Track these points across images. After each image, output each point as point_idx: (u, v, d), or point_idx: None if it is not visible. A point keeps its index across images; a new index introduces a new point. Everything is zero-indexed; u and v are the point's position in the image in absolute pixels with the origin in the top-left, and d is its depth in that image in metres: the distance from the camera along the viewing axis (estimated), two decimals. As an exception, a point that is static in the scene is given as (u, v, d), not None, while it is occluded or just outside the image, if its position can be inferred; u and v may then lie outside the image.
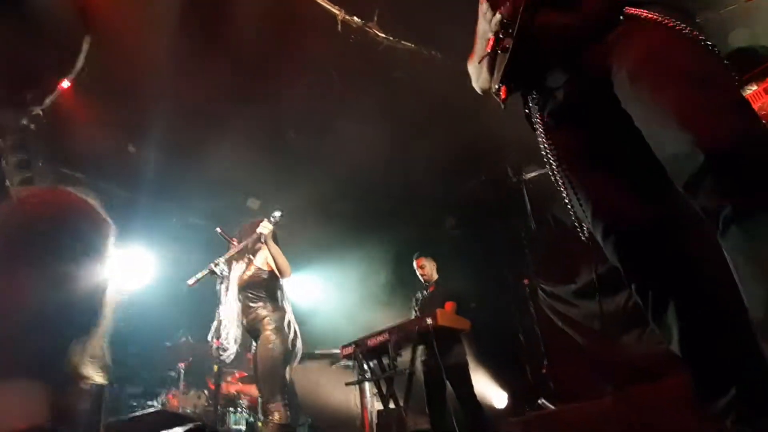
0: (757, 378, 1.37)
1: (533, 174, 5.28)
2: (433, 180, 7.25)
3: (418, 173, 7.22)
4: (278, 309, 4.37)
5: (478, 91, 1.96)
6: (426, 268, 6.01)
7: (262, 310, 4.32)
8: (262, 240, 4.39)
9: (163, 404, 5.70)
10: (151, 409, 5.02)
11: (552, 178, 1.78)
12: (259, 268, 4.47)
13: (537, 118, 1.78)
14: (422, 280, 6.03)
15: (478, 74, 1.91)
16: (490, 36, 1.76)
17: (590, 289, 4.09)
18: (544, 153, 1.76)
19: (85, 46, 5.42)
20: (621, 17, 1.51)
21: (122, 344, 6.79)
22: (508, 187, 5.93)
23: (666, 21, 1.42)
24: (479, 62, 1.86)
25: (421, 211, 7.97)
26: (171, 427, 2.08)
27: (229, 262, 4.35)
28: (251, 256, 4.56)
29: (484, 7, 1.81)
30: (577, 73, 1.63)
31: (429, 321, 4.66)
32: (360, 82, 6.34)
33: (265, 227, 4.40)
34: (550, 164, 1.74)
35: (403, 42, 6.21)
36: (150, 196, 7.10)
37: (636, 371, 3.66)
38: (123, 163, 6.69)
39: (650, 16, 1.45)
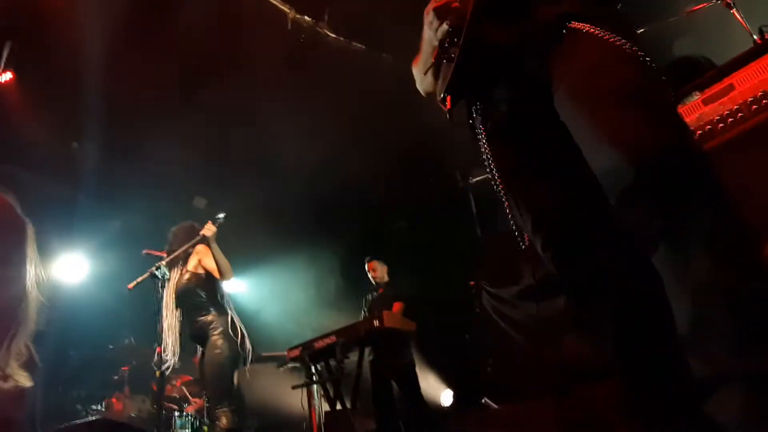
0: (675, 383, 1.42)
1: (480, 178, 5.37)
2: (382, 182, 7.30)
3: (367, 175, 7.26)
4: (223, 313, 4.33)
5: (422, 93, 1.96)
6: (378, 271, 6.07)
7: (207, 315, 4.27)
8: (207, 243, 4.35)
9: (107, 407, 5.57)
10: (92, 417, 4.92)
11: (494, 187, 1.78)
12: (194, 273, 4.41)
13: (480, 128, 1.78)
14: (373, 283, 6.08)
15: (422, 77, 1.91)
16: (435, 44, 1.76)
17: (531, 291, 4.18)
18: (486, 164, 1.76)
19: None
20: (564, 31, 1.52)
21: (65, 346, 6.62)
22: (456, 189, 6.01)
23: (607, 37, 1.43)
24: (424, 72, 1.87)
25: (371, 212, 8.01)
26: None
27: (170, 266, 4.29)
28: (182, 262, 4.49)
29: (430, 17, 1.78)
30: (520, 87, 1.65)
31: (376, 323, 4.70)
32: (309, 83, 6.32)
33: (209, 229, 4.36)
34: (492, 174, 1.74)
35: (354, 43, 6.24)
36: (92, 194, 6.92)
37: (576, 372, 3.76)
38: (64, 159, 6.52)
39: (592, 31, 1.46)
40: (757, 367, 1.11)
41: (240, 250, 7.12)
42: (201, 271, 4.41)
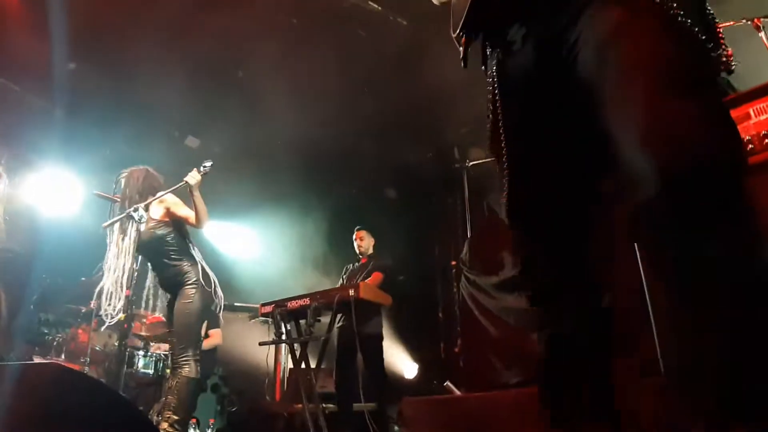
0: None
1: (477, 162, 5.30)
2: (378, 147, 7.20)
3: (365, 136, 7.16)
4: (194, 263, 4.30)
5: (436, 2, 1.79)
6: (364, 241, 6.05)
7: (180, 264, 4.23)
8: (190, 191, 4.27)
9: (72, 338, 5.56)
10: (45, 360, 4.92)
11: (493, 149, 1.63)
12: (160, 221, 4.33)
13: (493, 76, 1.61)
14: (357, 252, 6.06)
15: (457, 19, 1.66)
16: None
17: (511, 283, 4.16)
18: (491, 116, 1.60)
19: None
20: None
21: (39, 270, 6.58)
22: (452, 168, 5.95)
23: None
24: None
25: (363, 176, 7.93)
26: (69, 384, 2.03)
27: (147, 208, 4.21)
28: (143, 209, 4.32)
29: None
30: (542, 32, 1.45)
31: (351, 292, 4.68)
32: (318, 33, 6.16)
33: (193, 177, 4.28)
34: (495, 129, 1.58)
35: (369, 2, 6.07)
36: (85, 120, 6.79)
37: (537, 371, 3.77)
38: (63, 82, 6.35)
39: None
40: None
41: (226, 196, 7.07)
42: (167, 219, 4.33)
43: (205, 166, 4.33)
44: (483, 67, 1.68)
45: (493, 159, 1.67)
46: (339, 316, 5.11)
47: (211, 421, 4.88)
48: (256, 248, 8.24)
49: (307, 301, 4.85)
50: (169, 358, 4.63)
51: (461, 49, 1.67)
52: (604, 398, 1.42)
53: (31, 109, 6.54)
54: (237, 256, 8.12)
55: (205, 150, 7.32)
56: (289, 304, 4.97)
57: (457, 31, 1.63)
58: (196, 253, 4.41)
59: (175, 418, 3.96)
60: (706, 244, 1.04)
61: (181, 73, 6.15)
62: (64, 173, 6.84)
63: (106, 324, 4.01)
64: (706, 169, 1.05)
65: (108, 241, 4.20)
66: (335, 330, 5.29)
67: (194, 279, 4.19)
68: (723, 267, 1.03)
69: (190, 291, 4.14)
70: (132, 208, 4.02)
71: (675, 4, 1.21)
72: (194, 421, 4.84)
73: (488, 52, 1.66)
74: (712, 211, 1.05)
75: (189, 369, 4.07)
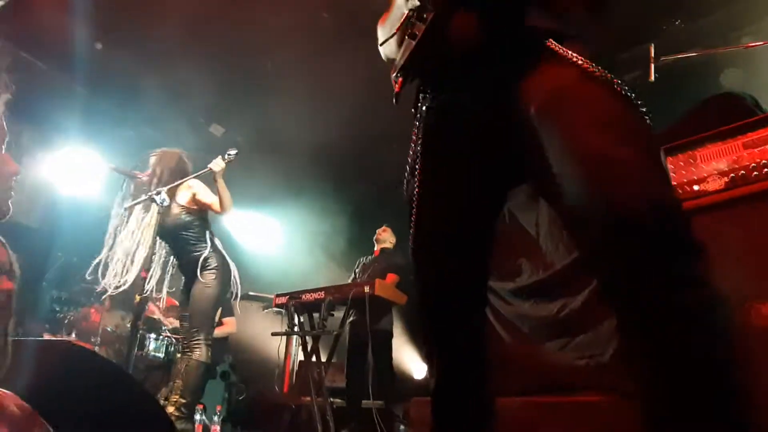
0: None
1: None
2: (402, 146, 7.15)
3: (392, 131, 7.10)
4: (216, 249, 4.31)
5: (383, 56, 1.83)
6: (386, 233, 6.06)
7: (201, 251, 4.24)
8: (214, 177, 4.28)
9: (84, 317, 5.59)
10: (62, 338, 4.94)
11: (406, 185, 1.73)
12: (186, 207, 4.34)
13: (420, 120, 1.70)
14: (374, 242, 6.07)
15: (385, 37, 1.76)
16: (405, 12, 1.60)
17: (527, 291, 4.12)
18: (412, 157, 1.69)
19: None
20: (539, 49, 1.41)
21: (55, 248, 6.63)
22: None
23: (582, 62, 1.33)
24: (387, 37, 1.73)
25: (386, 171, 7.88)
26: (80, 362, 2.03)
27: (173, 193, 4.22)
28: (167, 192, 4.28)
29: None
30: (477, 90, 1.53)
31: (366, 289, 4.67)
32: (351, 30, 6.12)
33: (218, 164, 4.28)
34: (412, 170, 1.67)
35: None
36: (109, 98, 6.83)
37: (549, 381, 3.73)
38: (88, 61, 6.38)
39: (568, 55, 1.36)
40: None
41: (247, 186, 7.08)
42: (194, 206, 4.34)
43: (229, 154, 4.33)
44: (413, 109, 1.76)
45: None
46: (353, 311, 5.09)
47: (218, 408, 4.89)
48: (273, 239, 8.24)
49: (321, 294, 4.85)
50: (180, 343, 4.65)
51: (395, 87, 1.73)
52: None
53: (55, 87, 6.57)
54: (254, 246, 8.13)
55: (228, 138, 7.33)
56: (303, 297, 4.96)
57: (395, 73, 1.70)
58: (217, 240, 4.42)
59: (183, 401, 3.96)
60: (644, 272, 1.12)
61: (208, 60, 6.16)
62: (85, 152, 6.88)
63: (107, 294, 4.00)
64: (651, 208, 1.13)
65: (122, 217, 4.19)
66: (347, 327, 5.29)
67: (215, 265, 4.21)
68: (658, 296, 1.11)
69: (209, 276, 4.16)
70: (155, 191, 4.01)
71: (611, 75, 1.32)
72: (201, 407, 4.84)
73: (420, 96, 1.73)
74: (653, 243, 1.12)
75: (200, 353, 4.08)
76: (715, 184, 2.61)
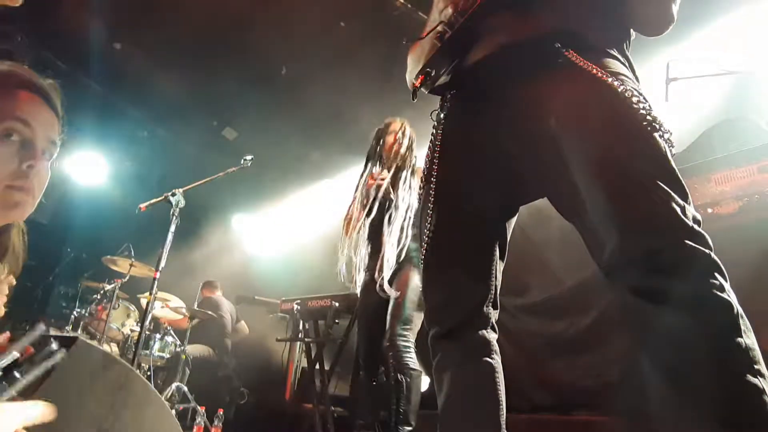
0: None
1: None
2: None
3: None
4: None
5: (409, 85, 1.81)
6: None
7: None
8: None
9: (90, 314, 5.60)
10: (72, 334, 4.95)
11: (420, 192, 1.72)
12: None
13: (439, 125, 1.70)
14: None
15: (414, 63, 1.77)
16: (436, 28, 1.63)
17: (536, 308, 4.11)
18: (429, 163, 1.68)
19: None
20: (560, 59, 1.40)
21: (64, 244, 6.66)
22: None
23: (604, 76, 1.33)
24: (420, 62, 1.72)
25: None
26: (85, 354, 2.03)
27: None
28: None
29: None
30: (496, 99, 1.54)
31: (373, 298, 4.66)
32: (367, 40, 6.14)
33: None
34: (428, 176, 1.67)
35: (420, 12, 6.04)
36: (124, 98, 6.88)
37: (555, 398, 3.72)
38: (105, 60, 6.43)
39: (592, 71, 1.35)
40: None
41: (259, 190, 7.12)
42: None
43: (246, 159, 4.31)
44: (431, 114, 1.77)
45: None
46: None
47: (220, 411, 4.88)
48: (279, 243, 8.20)
49: (327, 302, 4.84)
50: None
51: (416, 83, 1.72)
52: None
53: (70, 84, 6.63)
54: (262, 250, 8.13)
55: (239, 143, 7.34)
56: (309, 303, 4.96)
57: (419, 71, 1.69)
58: None
59: None
60: (663, 293, 1.13)
61: (231, 69, 6.20)
62: (98, 149, 6.92)
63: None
64: (669, 230, 1.16)
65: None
66: (353, 335, 5.26)
67: None
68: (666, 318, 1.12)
69: None
70: (170, 192, 3.93)
71: (631, 91, 1.31)
72: (203, 409, 4.83)
73: (440, 102, 1.74)
74: (672, 264, 1.14)
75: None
76: (729, 208, 2.60)
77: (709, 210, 2.66)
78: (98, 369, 1.84)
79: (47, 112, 1.26)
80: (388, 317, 3.35)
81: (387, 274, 3.30)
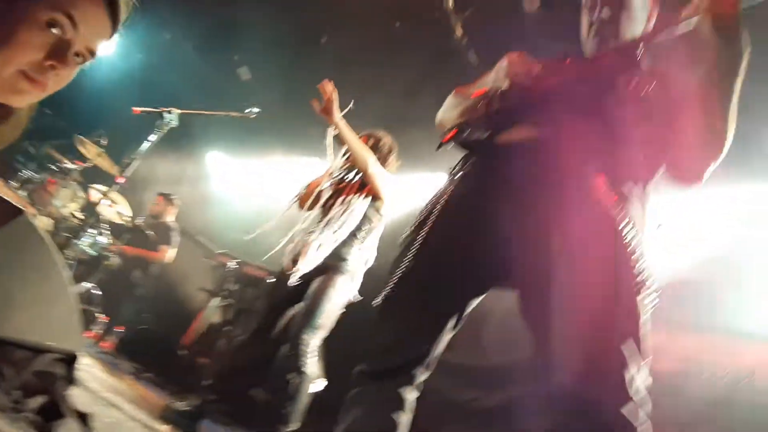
0: None
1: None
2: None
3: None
4: None
5: (437, 120, 1.86)
6: None
7: None
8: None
9: (41, 182, 5.43)
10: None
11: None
12: None
13: (451, 184, 1.74)
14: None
15: (452, 107, 1.80)
16: (490, 86, 1.69)
17: (454, 368, 4.17)
18: (427, 209, 1.73)
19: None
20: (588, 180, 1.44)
21: (45, 103, 6.46)
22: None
23: (606, 203, 1.38)
24: (461, 108, 1.77)
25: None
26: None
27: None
28: None
29: (504, 64, 1.71)
30: (520, 184, 1.56)
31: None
32: (409, 37, 5.99)
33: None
34: (428, 214, 1.72)
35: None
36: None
37: None
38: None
39: (596, 191, 1.40)
40: None
41: (252, 142, 7.02)
42: None
43: (252, 111, 4.18)
44: (451, 170, 1.80)
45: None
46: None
47: (121, 328, 4.82)
48: (249, 202, 7.98)
49: (264, 274, 4.83)
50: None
51: (443, 136, 1.76)
52: None
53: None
54: (227, 195, 8.00)
55: (251, 87, 7.20)
56: (246, 268, 4.94)
57: (452, 125, 1.73)
58: None
59: None
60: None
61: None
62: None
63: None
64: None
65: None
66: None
67: None
68: None
69: None
70: (167, 109, 3.82)
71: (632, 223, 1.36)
72: (107, 319, 4.77)
73: (464, 160, 1.77)
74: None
75: None
76: None
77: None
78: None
79: (104, 21, 1.18)
80: (299, 317, 3.18)
81: (311, 264, 3.16)
